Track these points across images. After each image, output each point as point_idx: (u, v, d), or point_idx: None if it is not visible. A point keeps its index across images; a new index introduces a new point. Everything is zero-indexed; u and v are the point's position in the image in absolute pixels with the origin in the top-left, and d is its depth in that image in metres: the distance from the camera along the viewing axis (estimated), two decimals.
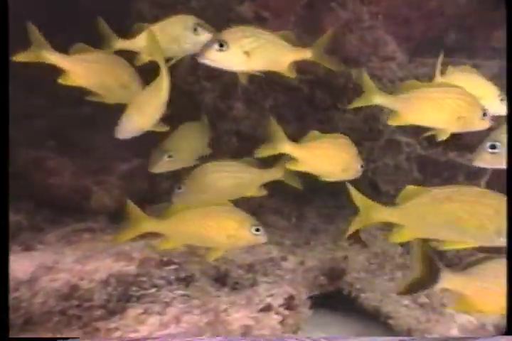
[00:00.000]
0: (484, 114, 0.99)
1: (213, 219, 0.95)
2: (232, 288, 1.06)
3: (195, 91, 1.49)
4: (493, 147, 0.94)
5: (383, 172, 1.38)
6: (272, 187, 1.16)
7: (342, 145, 1.07)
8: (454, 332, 1.04)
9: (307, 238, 1.32)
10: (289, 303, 0.96)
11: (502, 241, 0.85)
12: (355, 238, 1.25)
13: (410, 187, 0.89)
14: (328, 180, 1.08)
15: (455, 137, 1.10)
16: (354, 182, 0.94)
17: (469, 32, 1.66)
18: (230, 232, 0.94)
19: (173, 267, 1.05)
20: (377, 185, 1.40)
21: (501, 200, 0.84)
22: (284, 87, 1.43)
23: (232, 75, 1.13)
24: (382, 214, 0.89)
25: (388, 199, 0.97)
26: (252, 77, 1.35)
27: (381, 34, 1.48)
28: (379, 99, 1.00)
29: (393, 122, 1.01)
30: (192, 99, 1.49)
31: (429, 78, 1.45)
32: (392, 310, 1.11)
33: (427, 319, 1.08)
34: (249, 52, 1.01)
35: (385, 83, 1.41)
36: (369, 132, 1.41)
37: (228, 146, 1.47)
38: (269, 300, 0.99)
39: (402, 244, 1.27)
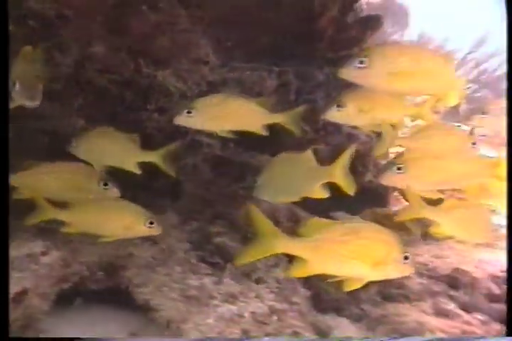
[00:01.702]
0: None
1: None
2: None
3: None
4: (399, 169, 1.13)
5: (184, 172, 1.41)
6: None
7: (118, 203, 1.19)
8: (210, 321, 1.08)
9: None
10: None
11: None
12: None
13: (314, 220, 0.91)
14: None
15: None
16: None
17: (295, 40, 1.75)
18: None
19: None
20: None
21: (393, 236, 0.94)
22: (93, 87, 1.43)
23: None
24: (285, 245, 0.87)
25: None
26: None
27: (195, 37, 1.53)
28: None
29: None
30: None
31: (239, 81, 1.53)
32: (160, 303, 1.13)
33: (188, 310, 1.11)
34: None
35: (190, 86, 1.45)
36: (175, 132, 1.44)
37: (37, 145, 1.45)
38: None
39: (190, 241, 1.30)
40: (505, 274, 1.39)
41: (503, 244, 1.59)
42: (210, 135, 1.42)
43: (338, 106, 1.20)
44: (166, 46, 1.47)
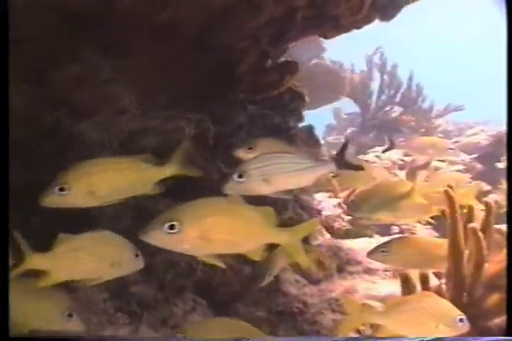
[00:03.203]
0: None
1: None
2: None
3: None
4: (240, 176, 1.05)
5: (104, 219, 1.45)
6: None
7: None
8: None
9: None
10: None
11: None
12: None
13: (62, 235, 1.02)
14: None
15: None
16: None
17: (216, 85, 1.84)
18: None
19: None
20: None
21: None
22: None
23: None
24: (34, 261, 0.97)
25: None
26: None
27: (118, 87, 1.58)
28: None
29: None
30: None
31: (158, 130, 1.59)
32: None
33: None
34: None
35: (115, 133, 1.50)
36: None
37: None
38: None
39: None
40: None
41: None
42: None
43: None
44: (87, 97, 1.51)
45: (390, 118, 5.06)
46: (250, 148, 1.44)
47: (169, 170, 1.12)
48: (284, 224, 1.03)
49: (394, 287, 1.68)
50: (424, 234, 2.48)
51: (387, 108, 5.13)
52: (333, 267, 1.83)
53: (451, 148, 2.77)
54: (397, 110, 5.04)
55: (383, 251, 1.40)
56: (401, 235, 2.06)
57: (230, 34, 1.82)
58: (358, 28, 1.91)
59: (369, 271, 1.85)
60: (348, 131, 5.33)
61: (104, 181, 1.04)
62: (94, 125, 1.49)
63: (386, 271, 1.85)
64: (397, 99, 5.08)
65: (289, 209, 1.89)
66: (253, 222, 0.96)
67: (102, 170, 1.06)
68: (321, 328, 1.53)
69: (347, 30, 1.91)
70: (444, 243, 1.35)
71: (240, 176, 1.05)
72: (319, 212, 2.09)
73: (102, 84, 1.55)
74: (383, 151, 3.30)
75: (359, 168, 1.23)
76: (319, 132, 4.43)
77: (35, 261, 0.96)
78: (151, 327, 1.30)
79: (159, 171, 1.12)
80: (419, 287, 1.42)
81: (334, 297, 1.62)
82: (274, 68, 1.94)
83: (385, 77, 4.98)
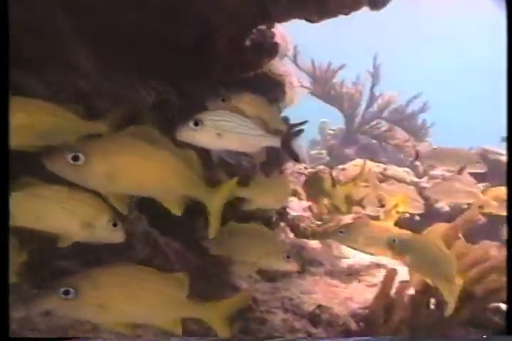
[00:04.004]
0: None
1: None
2: None
3: None
4: (196, 124, 0.99)
5: None
6: None
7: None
8: None
9: None
10: None
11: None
12: None
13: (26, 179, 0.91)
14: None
15: None
16: None
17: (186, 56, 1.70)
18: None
19: None
20: None
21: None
22: None
23: None
24: None
25: None
26: None
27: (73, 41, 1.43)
28: None
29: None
30: None
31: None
32: None
33: None
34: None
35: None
36: None
37: None
38: None
39: None
40: (365, 311, 1.37)
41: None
42: None
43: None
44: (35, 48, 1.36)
45: (376, 132, 4.94)
46: (223, 100, 1.29)
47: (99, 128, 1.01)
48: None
49: (354, 292, 1.53)
50: None
51: (374, 122, 5.03)
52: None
53: None
54: (384, 125, 4.94)
55: (341, 232, 1.43)
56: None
57: (209, 7, 1.70)
58: (346, 13, 1.79)
59: (331, 274, 1.69)
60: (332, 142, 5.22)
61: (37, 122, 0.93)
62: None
63: (349, 275, 1.70)
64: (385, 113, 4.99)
65: None
66: (172, 170, 0.89)
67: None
68: (270, 329, 1.37)
69: (333, 14, 1.78)
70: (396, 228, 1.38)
71: (196, 124, 0.99)
72: (283, 208, 1.94)
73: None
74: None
75: (297, 158, 1.18)
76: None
77: None
78: None
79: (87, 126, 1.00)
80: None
81: (288, 296, 1.46)
82: (252, 48, 1.81)
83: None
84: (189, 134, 0.98)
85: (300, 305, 1.43)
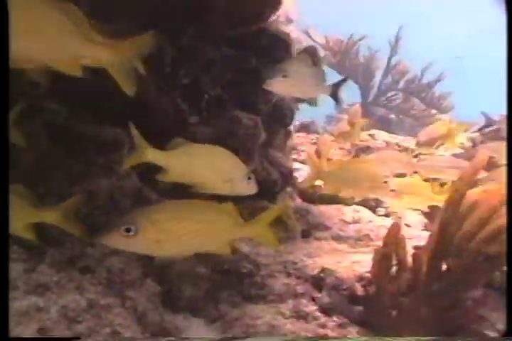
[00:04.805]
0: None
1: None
2: None
3: None
4: (285, 76, 1.10)
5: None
6: None
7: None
8: None
9: None
10: None
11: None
12: None
13: (178, 139, 1.02)
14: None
15: None
16: None
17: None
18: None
19: None
20: None
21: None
22: None
23: None
24: (152, 155, 0.98)
25: None
26: None
27: None
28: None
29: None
30: None
31: None
32: None
33: None
34: None
35: None
36: None
37: None
38: None
39: None
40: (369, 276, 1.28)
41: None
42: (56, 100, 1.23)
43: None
44: None
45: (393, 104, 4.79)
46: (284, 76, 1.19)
47: None
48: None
49: (360, 256, 1.44)
50: (415, 220, 2.22)
51: (391, 94, 4.87)
52: (298, 230, 1.58)
53: None
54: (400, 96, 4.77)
55: None
56: None
57: None
58: None
59: (338, 238, 1.60)
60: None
61: None
62: None
63: (358, 240, 1.60)
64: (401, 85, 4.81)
65: (255, 161, 1.65)
66: (214, 222, 0.94)
67: None
68: (270, 293, 1.29)
69: None
70: None
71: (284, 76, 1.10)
72: (290, 171, 1.84)
73: None
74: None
75: (340, 103, 1.25)
76: (320, 122, 4.20)
77: (151, 155, 0.98)
78: (53, 267, 1.05)
79: None
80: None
81: (292, 259, 1.37)
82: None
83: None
84: (280, 85, 1.10)
85: (303, 269, 1.34)
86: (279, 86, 1.11)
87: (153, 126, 1.44)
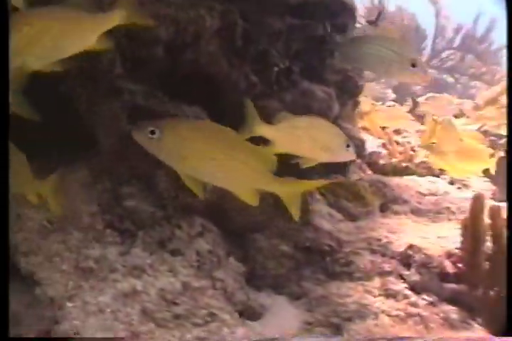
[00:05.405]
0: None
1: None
2: None
3: None
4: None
5: (100, 123, 1.19)
6: None
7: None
8: (103, 298, 0.90)
9: None
10: None
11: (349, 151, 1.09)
12: None
13: (283, 113, 1.07)
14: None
15: None
16: None
17: None
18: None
19: None
20: None
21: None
22: None
23: None
24: (261, 129, 1.02)
25: None
26: None
27: None
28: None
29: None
30: None
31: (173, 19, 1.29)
32: (45, 276, 0.94)
33: (77, 285, 0.92)
34: None
35: None
36: None
37: None
38: None
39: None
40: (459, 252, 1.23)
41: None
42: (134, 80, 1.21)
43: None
44: None
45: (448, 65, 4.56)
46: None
47: (117, 18, 0.88)
48: None
49: (445, 231, 1.38)
50: (481, 186, 2.13)
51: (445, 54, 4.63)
52: (376, 204, 1.53)
53: None
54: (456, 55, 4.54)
55: None
56: None
57: None
58: None
59: (418, 212, 1.55)
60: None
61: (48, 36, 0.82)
62: None
63: (439, 213, 1.55)
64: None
65: None
66: (246, 165, 0.91)
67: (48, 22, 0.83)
68: (355, 270, 1.26)
69: None
70: None
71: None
72: (362, 143, 1.78)
73: None
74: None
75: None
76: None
77: (262, 129, 1.02)
78: (145, 250, 1.05)
79: (104, 20, 0.88)
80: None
81: (375, 236, 1.34)
82: None
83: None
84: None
85: (388, 246, 1.30)
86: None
87: (226, 101, 1.42)
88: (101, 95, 1.19)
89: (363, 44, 1.26)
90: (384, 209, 1.56)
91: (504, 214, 1.17)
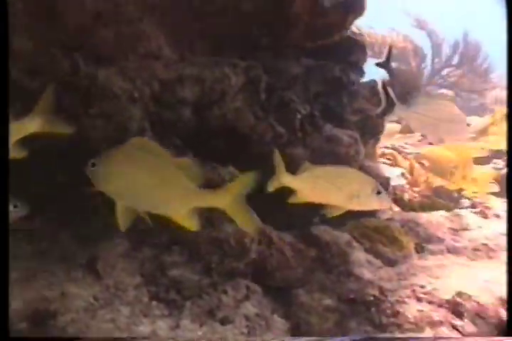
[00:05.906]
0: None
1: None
2: None
3: None
4: None
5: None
6: None
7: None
8: None
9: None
10: None
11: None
12: None
13: (307, 164, 1.10)
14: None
15: None
16: None
17: (264, 28, 1.52)
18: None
19: None
20: None
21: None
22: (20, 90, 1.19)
23: None
24: (286, 180, 1.06)
25: None
26: None
27: (145, 28, 1.29)
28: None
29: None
30: None
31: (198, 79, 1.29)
32: None
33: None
34: None
35: (138, 85, 1.22)
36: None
37: None
38: None
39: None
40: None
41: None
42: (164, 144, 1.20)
43: None
44: (109, 39, 1.23)
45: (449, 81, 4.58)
46: None
47: (30, 126, 0.88)
48: None
49: (489, 272, 1.35)
50: (499, 206, 2.11)
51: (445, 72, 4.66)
52: (411, 246, 1.51)
53: None
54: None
55: None
56: None
57: None
58: None
59: (454, 250, 1.52)
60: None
61: None
62: (119, 72, 1.21)
63: (476, 250, 1.52)
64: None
65: None
66: (176, 185, 0.87)
67: None
68: (405, 322, 1.23)
69: None
70: None
71: None
72: (387, 180, 1.76)
73: (126, 23, 1.26)
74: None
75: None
76: None
77: (287, 179, 1.06)
78: (195, 321, 1.03)
79: (18, 128, 0.87)
80: None
81: (417, 282, 1.31)
82: (333, 7, 1.60)
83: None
84: None
85: (434, 293, 1.27)
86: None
87: (253, 153, 1.41)
88: None
89: None
90: (419, 249, 1.53)
91: None
